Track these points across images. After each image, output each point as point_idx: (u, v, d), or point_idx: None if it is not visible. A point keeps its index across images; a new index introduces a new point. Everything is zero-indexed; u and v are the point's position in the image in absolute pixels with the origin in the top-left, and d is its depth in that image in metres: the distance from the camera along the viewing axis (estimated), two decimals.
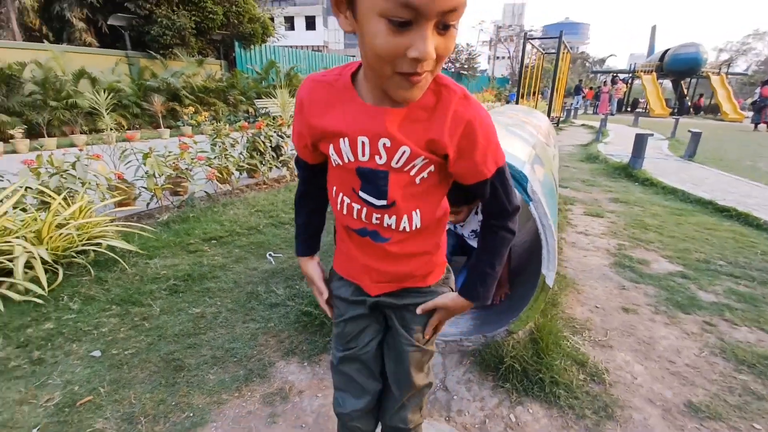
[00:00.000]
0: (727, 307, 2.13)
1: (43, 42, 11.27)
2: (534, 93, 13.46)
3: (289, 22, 34.87)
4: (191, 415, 1.39)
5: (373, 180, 0.69)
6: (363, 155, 0.67)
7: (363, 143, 0.66)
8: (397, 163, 0.67)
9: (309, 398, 1.46)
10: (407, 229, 0.74)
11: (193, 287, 2.24)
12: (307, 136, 0.73)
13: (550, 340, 1.65)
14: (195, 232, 2.99)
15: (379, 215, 0.73)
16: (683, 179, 5.12)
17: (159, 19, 11.97)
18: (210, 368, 1.61)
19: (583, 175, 5.58)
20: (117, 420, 1.36)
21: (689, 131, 6.74)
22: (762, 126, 12.99)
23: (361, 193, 0.72)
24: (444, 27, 0.53)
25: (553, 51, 9.57)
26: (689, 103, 21.48)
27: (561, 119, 12.79)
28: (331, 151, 0.70)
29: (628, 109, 22.28)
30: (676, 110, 21.19)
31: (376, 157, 0.67)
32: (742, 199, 4.17)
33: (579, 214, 3.73)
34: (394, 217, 0.73)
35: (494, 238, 0.77)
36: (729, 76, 23.37)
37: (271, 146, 4.74)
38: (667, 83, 23.79)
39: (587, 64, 43.85)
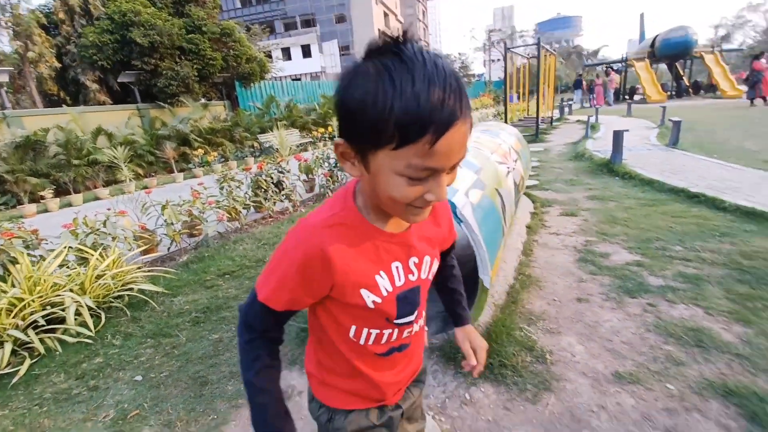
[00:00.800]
0: (670, 289, 2.42)
1: (62, 106, 12.28)
2: (525, 94, 13.86)
3: (286, 53, 36.41)
4: (216, 417, 1.77)
5: (411, 299, 0.72)
6: (399, 280, 0.69)
7: (397, 267, 0.69)
8: (425, 274, 0.74)
9: (306, 397, 1.83)
10: (421, 323, 0.79)
11: (211, 317, 2.66)
12: (326, 287, 0.65)
13: (503, 331, 1.99)
14: (210, 270, 3.43)
15: (409, 329, 0.75)
16: (663, 169, 5.34)
17: (164, 72, 12.92)
18: (228, 381, 2.00)
19: (567, 174, 5.85)
20: (160, 426, 1.76)
21: (670, 120, 6.96)
22: (758, 101, 12.97)
23: (397, 320, 0.72)
24: (452, 168, 0.56)
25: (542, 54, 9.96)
26: (686, 85, 21.41)
27: (554, 118, 13.07)
28: (366, 293, 0.66)
29: (626, 97, 22.35)
30: (674, 93, 21.16)
31: (410, 276, 0.71)
32: (714, 184, 4.35)
33: (555, 216, 4.03)
34: (420, 321, 0.77)
35: (453, 266, 0.94)
36: (726, 53, 23.28)
37: (273, 182, 5.22)
38: (663, 66, 23.78)
39: (582, 57, 43.98)
